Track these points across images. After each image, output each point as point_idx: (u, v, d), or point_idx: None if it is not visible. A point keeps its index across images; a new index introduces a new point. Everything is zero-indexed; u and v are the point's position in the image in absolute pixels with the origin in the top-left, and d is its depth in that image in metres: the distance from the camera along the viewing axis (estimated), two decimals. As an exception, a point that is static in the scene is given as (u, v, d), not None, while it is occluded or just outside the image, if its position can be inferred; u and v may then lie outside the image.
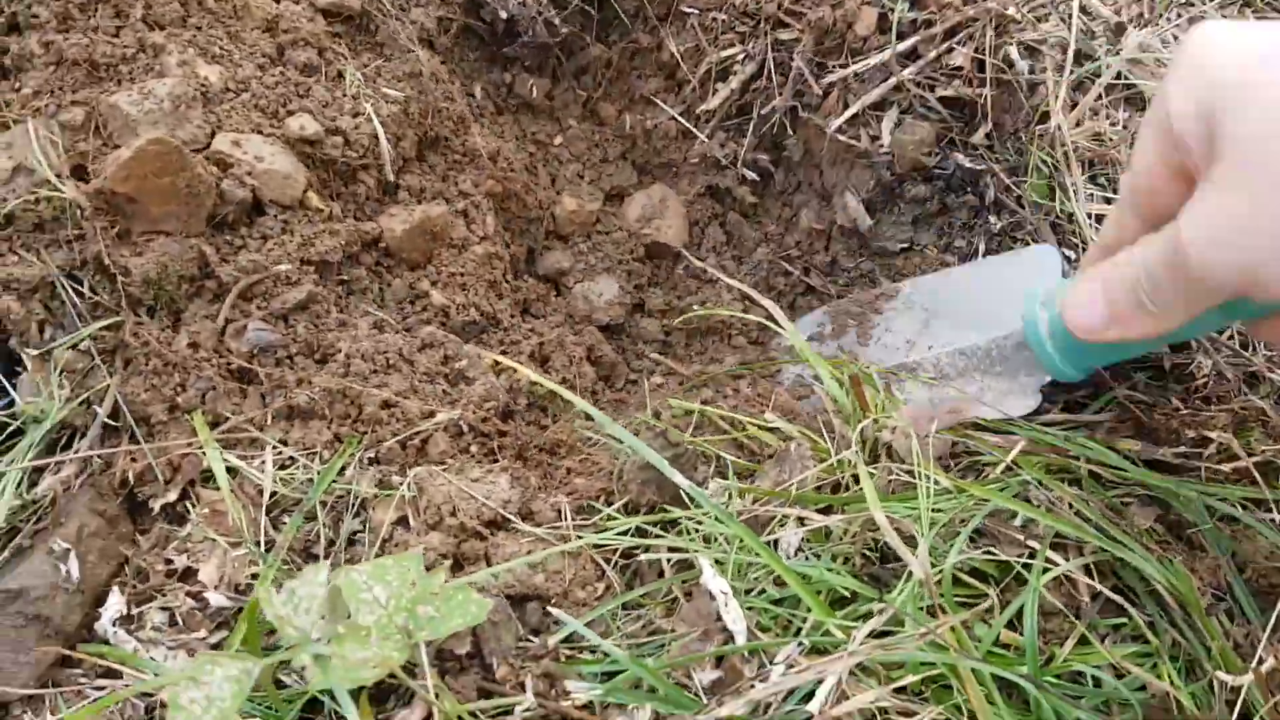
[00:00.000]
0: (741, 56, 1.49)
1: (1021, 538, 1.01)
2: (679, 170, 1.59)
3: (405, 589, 0.87)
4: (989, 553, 1.00)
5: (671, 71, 1.58)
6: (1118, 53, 1.33)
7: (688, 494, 1.04)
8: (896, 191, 1.39)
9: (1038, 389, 1.17)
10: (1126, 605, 1.01)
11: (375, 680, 0.81)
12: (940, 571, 0.96)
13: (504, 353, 1.37)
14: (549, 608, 1.01)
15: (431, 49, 1.49)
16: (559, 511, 1.12)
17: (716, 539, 1.05)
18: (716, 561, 1.00)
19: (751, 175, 1.52)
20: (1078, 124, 1.31)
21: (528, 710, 0.94)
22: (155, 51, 1.27)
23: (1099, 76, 1.33)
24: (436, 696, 0.84)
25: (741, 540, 1.01)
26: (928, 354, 1.24)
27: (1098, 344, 1.01)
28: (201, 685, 0.73)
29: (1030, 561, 0.99)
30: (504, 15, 1.58)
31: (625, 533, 1.11)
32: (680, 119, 1.56)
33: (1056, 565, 0.99)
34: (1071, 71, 1.32)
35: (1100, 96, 1.33)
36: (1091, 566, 1.03)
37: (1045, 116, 1.33)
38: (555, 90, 1.64)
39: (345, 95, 1.32)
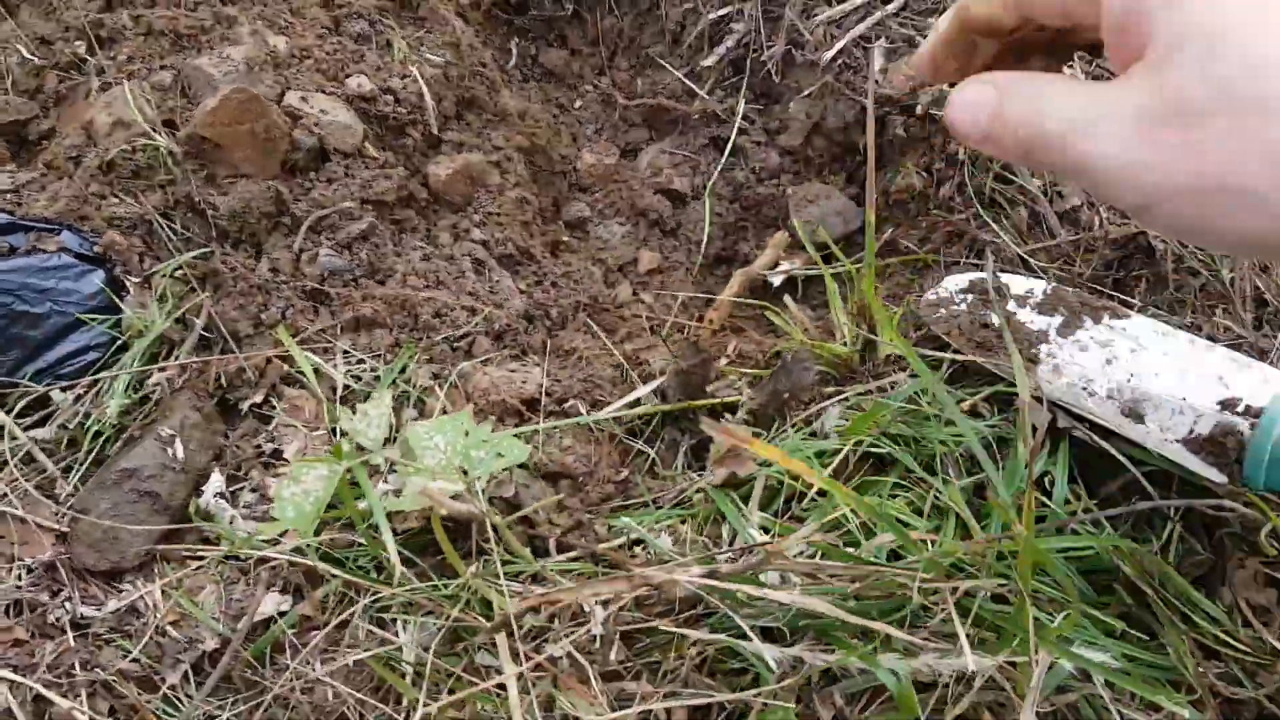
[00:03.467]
0: (735, 14, 1.70)
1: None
2: (685, 125, 1.78)
3: (460, 438, 1.06)
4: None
5: (676, 37, 1.78)
6: None
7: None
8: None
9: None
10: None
11: (440, 502, 1.00)
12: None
13: (537, 282, 1.57)
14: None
15: (465, 21, 1.70)
16: (584, 401, 1.31)
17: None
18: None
19: (746, 125, 1.73)
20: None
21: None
22: (229, 23, 1.49)
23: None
24: (494, 529, 1.03)
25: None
26: (1117, 378, 1.21)
27: None
28: (300, 482, 0.92)
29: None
30: (517, -9, 1.79)
31: (650, 422, 1.32)
32: (684, 79, 1.76)
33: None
34: None
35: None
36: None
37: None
38: (573, 60, 1.84)
39: (394, 60, 1.53)
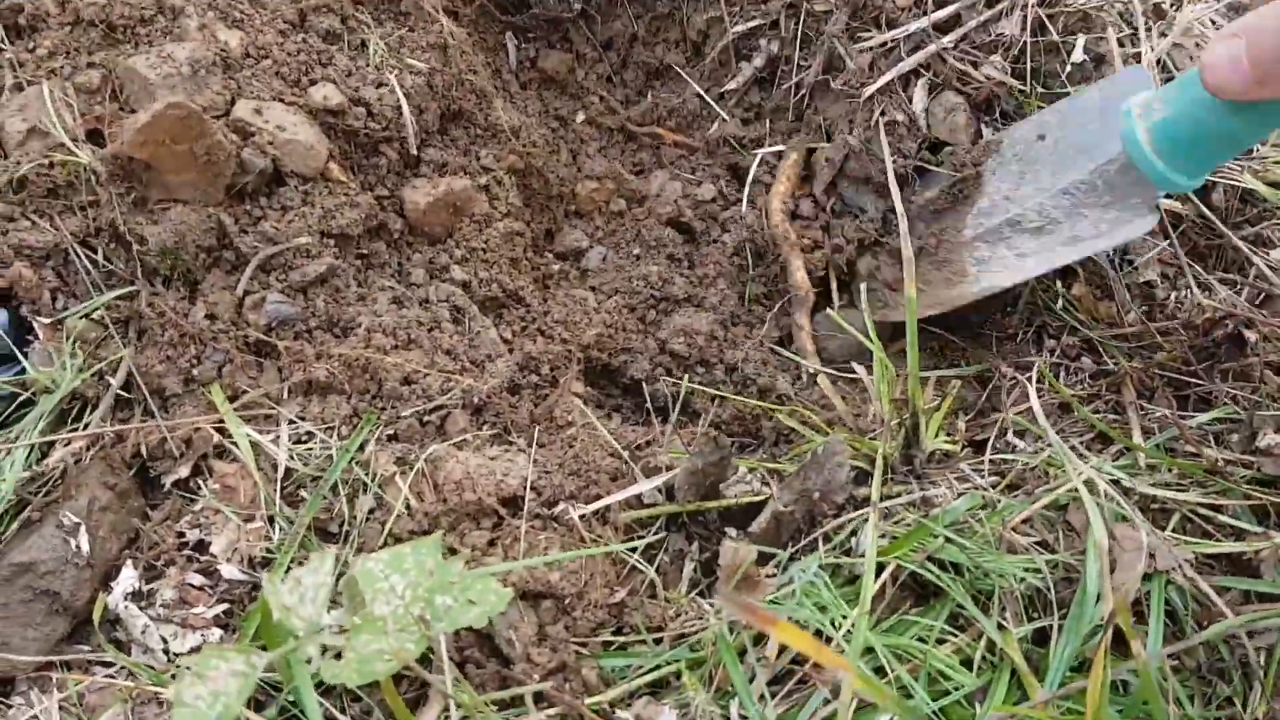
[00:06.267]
0: (767, 27, 1.46)
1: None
2: (703, 150, 1.55)
3: (423, 578, 0.85)
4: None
5: (697, 46, 1.55)
6: (1163, 34, 1.31)
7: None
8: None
9: (1153, 206, 1.14)
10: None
11: (389, 674, 0.79)
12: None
13: (524, 329, 1.34)
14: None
15: (455, 19, 1.46)
16: (573, 498, 1.10)
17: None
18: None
19: (771, 159, 1.50)
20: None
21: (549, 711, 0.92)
22: (174, 14, 1.24)
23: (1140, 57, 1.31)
24: (455, 685, 0.83)
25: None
26: (1030, 204, 1.22)
27: (1211, 138, 1.00)
28: (207, 680, 0.71)
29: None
30: (516, -14, 1.55)
31: (650, 524, 1.11)
32: (704, 95, 1.53)
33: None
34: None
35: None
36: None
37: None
38: (577, 66, 1.61)
39: (369, 65, 1.29)
